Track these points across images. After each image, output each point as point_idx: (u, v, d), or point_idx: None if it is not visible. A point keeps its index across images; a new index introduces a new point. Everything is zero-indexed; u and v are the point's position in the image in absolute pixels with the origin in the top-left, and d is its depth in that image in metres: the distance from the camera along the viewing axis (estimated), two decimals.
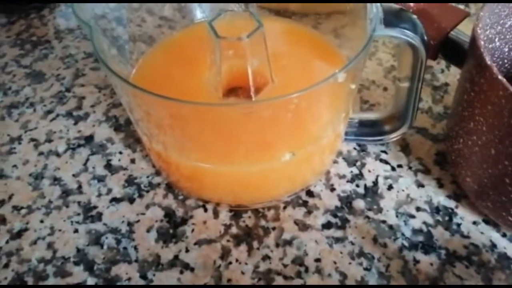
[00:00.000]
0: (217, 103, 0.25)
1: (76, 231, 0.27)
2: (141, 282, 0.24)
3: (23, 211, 0.28)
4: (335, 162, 0.30)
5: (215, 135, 0.24)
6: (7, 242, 0.26)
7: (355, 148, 0.31)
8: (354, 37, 0.27)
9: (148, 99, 0.21)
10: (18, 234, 0.27)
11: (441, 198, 0.28)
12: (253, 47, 0.25)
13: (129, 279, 0.25)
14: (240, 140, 0.24)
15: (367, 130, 0.30)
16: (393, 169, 0.29)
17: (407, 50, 0.24)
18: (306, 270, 0.25)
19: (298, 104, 0.21)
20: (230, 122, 0.23)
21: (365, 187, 0.28)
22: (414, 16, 0.24)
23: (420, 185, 0.28)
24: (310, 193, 0.28)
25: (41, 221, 0.27)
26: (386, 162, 0.30)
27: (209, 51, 0.26)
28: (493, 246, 0.25)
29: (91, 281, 0.24)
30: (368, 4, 0.24)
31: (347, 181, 0.29)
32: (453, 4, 0.29)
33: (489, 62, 0.21)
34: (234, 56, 0.25)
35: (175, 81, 0.28)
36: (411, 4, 0.28)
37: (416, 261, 0.25)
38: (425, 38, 0.24)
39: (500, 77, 0.20)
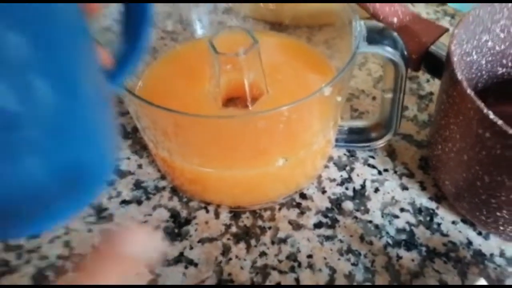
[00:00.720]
0: (215, 115, 0.27)
1: (90, 230, 0.29)
2: (150, 277, 0.27)
3: None
4: (326, 166, 0.32)
5: (215, 142, 0.27)
6: (28, 240, 0.29)
7: (345, 154, 0.33)
8: (343, 48, 0.30)
9: (153, 110, 0.24)
10: (37, 234, 0.29)
11: (423, 200, 0.30)
12: (249, 62, 0.27)
13: (137, 274, 0.27)
14: (238, 146, 0.27)
15: (356, 137, 0.33)
16: (379, 173, 0.32)
17: (389, 65, 0.27)
18: (299, 265, 0.27)
19: (289, 115, 0.23)
20: (228, 131, 0.26)
21: (354, 189, 0.31)
22: (395, 34, 0.26)
23: (404, 188, 0.31)
24: (303, 196, 0.31)
25: None
26: (373, 167, 0.32)
27: (209, 65, 0.28)
28: (469, 243, 0.28)
29: None
30: (353, 22, 0.26)
31: (337, 184, 0.31)
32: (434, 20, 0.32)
33: (460, 77, 0.23)
34: (232, 70, 0.28)
35: (178, 92, 0.31)
36: (395, 19, 0.30)
37: (399, 257, 0.27)
38: (405, 53, 0.26)
39: (469, 91, 0.23)
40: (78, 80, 0.14)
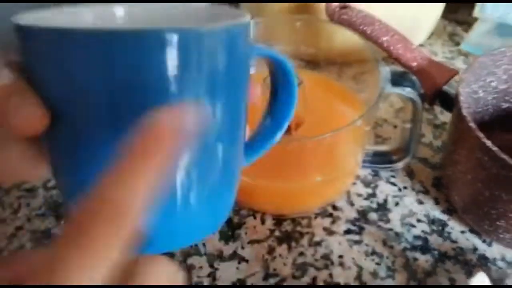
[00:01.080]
0: None
1: None
2: (210, 270, 0.33)
3: None
4: (354, 183, 0.38)
5: (264, 160, 0.33)
6: None
7: (370, 173, 0.39)
8: (370, 83, 0.36)
9: None
10: None
11: (436, 213, 0.36)
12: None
13: (200, 267, 0.33)
14: (283, 164, 0.33)
15: (379, 159, 0.39)
16: (399, 190, 0.38)
17: (408, 102, 0.33)
18: (332, 263, 0.33)
19: (326, 142, 0.29)
20: (275, 151, 0.32)
21: (378, 203, 0.37)
22: (414, 77, 0.33)
23: (420, 202, 0.37)
24: (334, 207, 0.37)
25: None
26: (394, 184, 0.38)
27: (260, 98, 0.35)
28: (475, 249, 0.33)
29: None
30: (379, 67, 0.32)
31: (364, 199, 0.37)
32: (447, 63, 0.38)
33: (465, 114, 0.29)
34: None
35: None
36: (414, 64, 0.37)
37: (415, 259, 0.33)
38: (421, 93, 0.33)
39: (471, 124, 0.29)
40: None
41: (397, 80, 0.32)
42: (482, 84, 0.36)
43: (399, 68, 0.34)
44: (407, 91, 0.31)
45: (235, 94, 0.18)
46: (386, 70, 0.32)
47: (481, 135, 0.28)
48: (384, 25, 0.38)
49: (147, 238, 0.14)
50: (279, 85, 0.22)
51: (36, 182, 0.40)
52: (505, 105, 0.39)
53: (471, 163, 0.30)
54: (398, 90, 0.32)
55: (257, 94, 0.21)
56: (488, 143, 0.27)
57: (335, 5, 0.41)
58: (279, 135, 0.23)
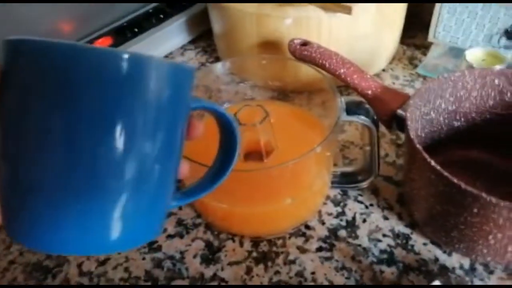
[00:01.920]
0: (237, 169, 0.36)
1: (143, 258, 0.38)
2: None
3: None
4: (325, 203, 0.41)
5: (239, 187, 0.36)
6: (96, 267, 0.38)
7: (339, 193, 0.42)
8: (334, 110, 0.39)
9: (193, 166, 0.33)
10: (103, 262, 0.38)
11: (400, 227, 0.39)
12: (263, 129, 0.37)
13: None
14: (256, 190, 0.36)
15: (346, 179, 0.42)
16: (366, 207, 0.41)
17: (364, 128, 0.36)
18: (305, 280, 0.36)
19: (292, 167, 0.32)
20: (247, 179, 0.35)
21: (347, 221, 0.40)
22: (367, 106, 0.36)
23: (386, 218, 0.40)
24: (307, 227, 0.39)
25: (118, 253, 0.39)
26: (361, 202, 0.41)
27: None
28: (436, 259, 0.36)
29: None
30: (336, 98, 0.36)
31: (334, 217, 0.40)
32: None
33: (412, 136, 0.33)
34: (251, 135, 0.37)
35: (210, 150, 0.40)
36: (369, 91, 0.40)
37: (382, 272, 0.36)
38: (375, 119, 0.36)
39: (417, 145, 0.32)
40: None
41: (353, 109, 0.36)
42: (432, 106, 0.40)
43: (356, 98, 0.38)
44: (361, 119, 0.35)
45: (172, 130, 0.21)
46: (341, 101, 0.35)
47: (426, 156, 0.31)
48: (341, 58, 0.42)
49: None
50: (223, 137, 0.25)
51: None
52: (456, 124, 0.42)
53: (423, 181, 0.34)
54: (353, 118, 0.35)
55: (200, 130, 0.24)
56: (432, 162, 0.31)
57: (296, 42, 0.45)
58: (216, 185, 0.25)
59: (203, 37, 0.69)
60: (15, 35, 0.18)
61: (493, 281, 0.34)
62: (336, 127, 0.34)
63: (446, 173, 0.30)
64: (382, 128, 0.40)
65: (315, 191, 0.38)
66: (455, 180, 0.29)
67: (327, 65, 0.42)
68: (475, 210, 0.30)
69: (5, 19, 0.52)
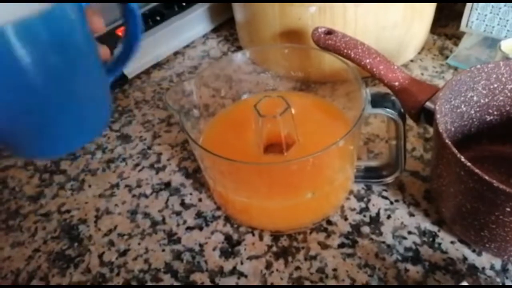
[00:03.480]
0: (256, 162, 0.36)
1: (163, 250, 0.38)
2: (211, 285, 0.35)
3: (125, 237, 0.40)
4: (347, 198, 0.40)
5: (259, 180, 0.35)
6: (116, 258, 0.38)
7: (363, 188, 0.41)
8: (360, 101, 0.38)
9: (212, 156, 0.33)
10: (124, 253, 0.38)
11: (427, 224, 0.37)
12: (284, 121, 0.36)
13: (202, 283, 0.35)
14: (275, 184, 0.35)
15: (371, 174, 0.40)
16: (391, 203, 0.39)
17: (390, 121, 0.35)
18: (326, 276, 0.35)
19: (313, 161, 0.32)
20: (267, 172, 0.35)
21: (370, 217, 0.38)
22: (393, 98, 0.35)
23: (411, 214, 0.38)
24: (329, 222, 0.38)
25: (139, 244, 0.39)
26: (386, 198, 0.40)
27: (254, 122, 0.37)
28: (465, 259, 0.35)
29: (176, 284, 0.36)
30: (362, 89, 0.35)
31: (357, 213, 0.39)
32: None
33: (441, 130, 0.31)
34: (271, 127, 0.37)
35: (230, 141, 0.40)
36: (396, 83, 0.39)
37: (407, 270, 0.34)
38: (402, 111, 0.35)
39: (446, 140, 0.30)
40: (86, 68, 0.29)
41: (379, 101, 0.34)
42: (463, 99, 0.38)
43: (382, 89, 0.36)
44: (387, 111, 0.34)
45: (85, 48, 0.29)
46: (366, 92, 0.34)
47: (455, 151, 0.30)
48: (367, 48, 0.40)
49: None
50: (127, 20, 0.33)
51: (51, 207, 0.43)
52: (489, 118, 0.40)
53: (451, 177, 0.32)
54: (378, 110, 0.34)
55: (100, 23, 0.31)
56: (462, 158, 0.29)
57: (320, 30, 0.43)
58: (131, 57, 0.35)
59: (225, 26, 0.68)
60: None
61: None
62: (360, 120, 0.32)
63: (476, 170, 0.28)
64: (409, 121, 0.38)
65: (337, 185, 0.37)
66: (487, 178, 0.28)
67: (352, 55, 0.40)
68: (508, 209, 0.28)
69: None
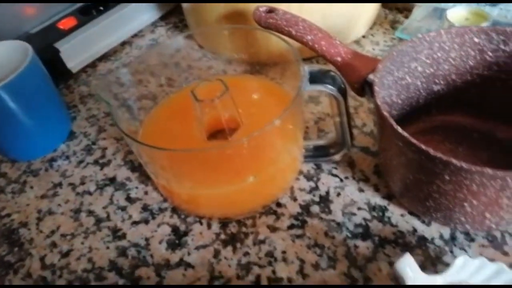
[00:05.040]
0: (192, 149, 0.34)
1: (107, 248, 0.36)
2: (157, 279, 0.34)
3: (68, 237, 0.38)
4: (297, 179, 0.39)
5: (199, 169, 0.34)
6: (59, 260, 0.36)
7: (312, 167, 0.40)
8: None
9: (149, 150, 0.31)
10: (67, 254, 0.37)
11: (377, 199, 0.37)
12: (223, 104, 0.35)
13: (148, 277, 0.34)
14: (217, 170, 0.34)
15: (319, 153, 0.40)
16: (341, 180, 0.39)
17: (331, 97, 0.34)
18: (275, 260, 0.34)
19: (251, 143, 0.30)
20: (207, 159, 0.33)
21: (320, 196, 0.38)
22: (333, 74, 0.34)
23: (361, 190, 0.37)
24: (278, 204, 0.37)
25: (82, 243, 0.37)
26: (336, 176, 0.39)
27: (193, 109, 0.36)
28: (415, 231, 0.34)
29: (121, 282, 0.34)
30: (300, 67, 0.33)
31: (306, 193, 0.38)
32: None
33: (379, 103, 0.30)
34: (211, 111, 0.35)
35: (172, 132, 0.38)
36: (339, 58, 0.38)
37: (356, 247, 0.34)
38: (343, 87, 0.34)
39: (384, 112, 0.29)
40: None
41: (318, 77, 0.33)
42: (407, 70, 0.37)
43: (323, 67, 0.35)
44: (326, 87, 0.33)
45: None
46: (304, 69, 0.33)
47: (392, 122, 0.29)
48: (308, 25, 0.39)
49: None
50: None
51: None
52: (436, 88, 0.40)
53: (394, 150, 0.31)
54: (317, 87, 0.33)
55: None
56: (399, 129, 0.28)
57: (262, 9, 0.42)
58: None
59: (174, 13, 0.66)
60: None
61: (474, 248, 0.32)
62: (297, 98, 0.31)
63: (414, 140, 0.28)
64: (361, 98, 0.37)
65: (283, 167, 0.36)
66: (423, 147, 0.27)
67: (293, 32, 0.39)
68: (447, 177, 0.27)
69: None
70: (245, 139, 0.29)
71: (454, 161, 0.26)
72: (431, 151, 0.27)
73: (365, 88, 0.37)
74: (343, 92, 0.33)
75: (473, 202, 0.29)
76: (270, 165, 0.34)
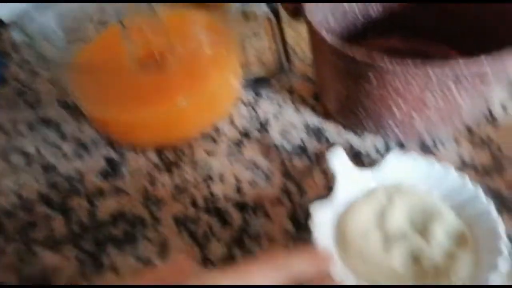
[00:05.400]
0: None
1: (38, 181, 0.35)
2: (89, 207, 0.32)
3: None
4: (237, 106, 0.38)
5: (130, 93, 0.33)
6: None
7: (253, 97, 0.39)
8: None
9: (81, 80, 0.29)
10: None
11: (314, 120, 0.36)
12: (152, 32, 0.33)
13: (80, 206, 0.33)
14: (148, 96, 0.33)
15: (259, 80, 0.39)
16: (280, 106, 0.38)
17: (266, 21, 0.33)
18: (213, 181, 0.33)
19: (181, 67, 0.29)
20: (136, 84, 0.32)
21: (259, 121, 0.37)
22: None
23: (299, 112, 0.37)
24: (217, 130, 0.37)
25: (12, 181, 0.35)
26: (275, 102, 0.38)
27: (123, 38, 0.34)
28: (351, 146, 0.34)
29: (52, 213, 0.32)
30: None
31: (245, 119, 0.37)
32: None
33: (309, 19, 0.30)
34: (141, 40, 0.34)
35: (107, 63, 0.36)
36: None
37: (293, 165, 0.33)
38: (275, 7, 0.33)
39: (313, 24, 0.29)
40: None
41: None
42: None
43: None
44: (257, 7, 0.32)
45: None
46: None
47: (320, 32, 0.28)
48: None
49: None
50: None
51: None
52: (374, 13, 0.40)
53: (326, 65, 0.31)
54: (245, 6, 0.32)
55: None
56: (328, 39, 0.28)
57: None
58: None
59: None
60: None
61: None
62: (226, 20, 0.30)
63: (339, 46, 0.27)
64: (300, 28, 0.36)
65: (218, 92, 0.35)
66: (349, 52, 0.27)
67: None
68: (373, 78, 0.27)
69: None
70: (173, 63, 0.28)
71: (377, 60, 0.26)
72: (357, 55, 0.26)
73: (297, 11, 0.37)
74: (276, 13, 0.33)
75: (399, 103, 0.29)
76: (202, 88, 0.33)
